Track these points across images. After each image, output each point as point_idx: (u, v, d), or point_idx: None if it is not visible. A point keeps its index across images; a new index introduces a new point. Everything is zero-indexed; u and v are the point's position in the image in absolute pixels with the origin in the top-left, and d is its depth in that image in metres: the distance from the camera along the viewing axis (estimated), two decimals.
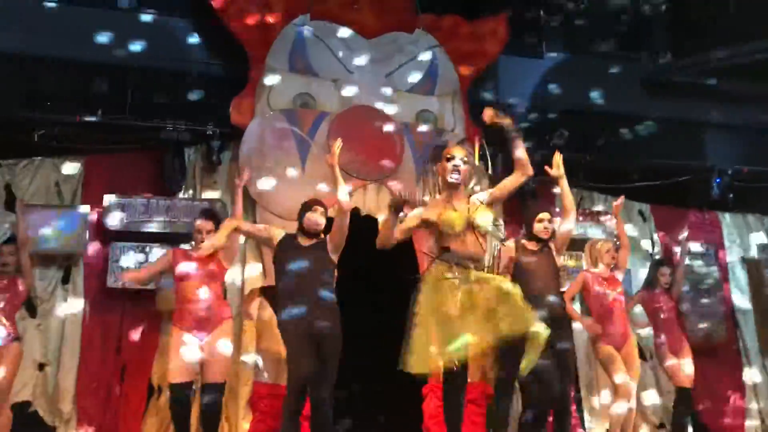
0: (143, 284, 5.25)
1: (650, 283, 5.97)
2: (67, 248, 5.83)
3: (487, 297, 3.55)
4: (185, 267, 4.64)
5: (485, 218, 3.71)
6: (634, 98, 7.86)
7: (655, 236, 7.70)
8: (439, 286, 3.61)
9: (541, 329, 3.57)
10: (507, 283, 3.67)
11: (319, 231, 4.59)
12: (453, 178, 3.75)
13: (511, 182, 3.78)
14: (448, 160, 3.76)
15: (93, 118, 6.03)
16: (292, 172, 6.13)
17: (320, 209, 4.59)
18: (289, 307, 4.35)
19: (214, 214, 4.95)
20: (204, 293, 4.59)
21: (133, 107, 6.18)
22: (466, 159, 3.77)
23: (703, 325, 7.30)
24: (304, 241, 4.54)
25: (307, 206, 4.59)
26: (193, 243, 4.93)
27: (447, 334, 3.49)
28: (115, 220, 5.88)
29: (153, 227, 5.94)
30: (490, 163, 6.45)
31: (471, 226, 3.67)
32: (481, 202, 3.78)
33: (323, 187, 6.13)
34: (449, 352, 3.47)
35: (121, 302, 5.96)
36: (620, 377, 5.14)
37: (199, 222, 4.83)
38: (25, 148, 6.03)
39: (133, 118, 6.15)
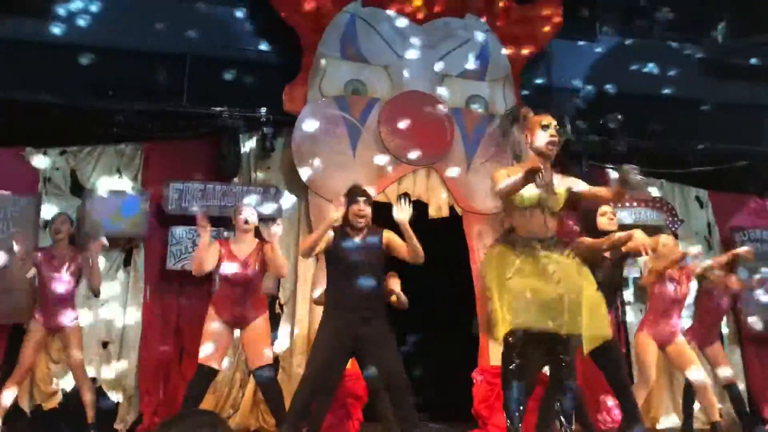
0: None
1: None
2: (129, 231, 6.05)
3: (561, 278, 3.39)
4: (229, 270, 4.62)
5: (557, 200, 3.55)
6: (692, 81, 7.66)
7: (713, 222, 7.52)
8: (502, 262, 3.48)
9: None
10: (591, 288, 3.46)
11: (364, 224, 4.20)
12: (549, 149, 3.51)
13: (601, 193, 3.64)
14: (543, 128, 3.52)
15: (152, 107, 6.25)
16: (343, 157, 6.21)
17: (362, 199, 4.19)
18: (335, 302, 4.16)
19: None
20: (243, 294, 4.63)
21: (190, 95, 6.36)
22: (559, 129, 3.55)
23: (762, 314, 7.10)
24: (355, 235, 4.21)
25: (351, 196, 4.21)
26: (234, 233, 4.87)
27: (513, 297, 3.36)
28: (173, 204, 6.07)
29: (210, 211, 6.09)
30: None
31: (541, 205, 3.50)
32: (568, 189, 3.58)
33: (373, 172, 6.24)
34: (516, 316, 3.34)
35: (179, 284, 6.17)
36: (647, 366, 5.04)
37: (243, 210, 4.76)
38: (89, 135, 6.28)
39: (190, 105, 6.33)
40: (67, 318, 5.18)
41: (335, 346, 4.04)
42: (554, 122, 3.55)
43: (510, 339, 3.47)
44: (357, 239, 4.18)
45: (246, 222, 4.72)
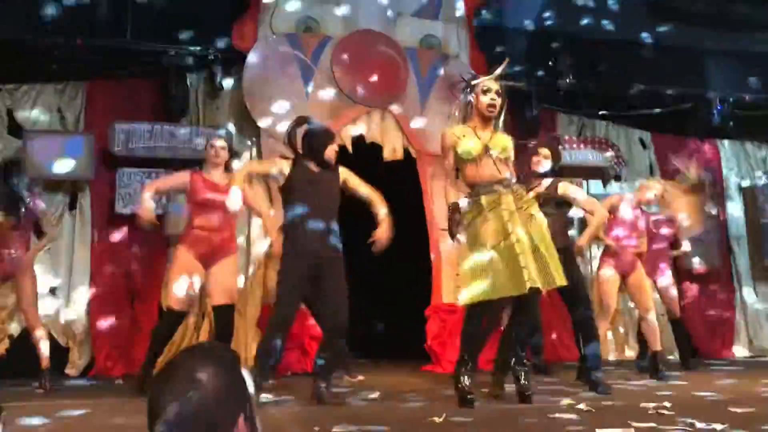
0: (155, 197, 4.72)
1: None
2: (74, 174, 5.84)
3: (523, 234, 3.67)
4: (207, 194, 4.48)
5: (501, 143, 3.85)
6: (638, 24, 7.76)
7: (654, 164, 7.77)
8: (474, 223, 3.73)
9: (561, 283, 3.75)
10: (540, 231, 3.75)
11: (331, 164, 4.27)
12: (489, 111, 3.86)
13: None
14: (485, 92, 3.86)
15: (93, 42, 5.95)
16: (295, 98, 6.10)
17: (336, 145, 4.31)
18: (296, 234, 4.10)
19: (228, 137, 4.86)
20: (220, 222, 4.47)
21: (133, 31, 6.07)
22: (500, 91, 3.89)
23: (698, 251, 7.44)
24: (316, 169, 4.22)
25: (330, 137, 4.27)
26: (204, 165, 4.69)
27: (487, 265, 3.61)
28: (120, 145, 5.88)
29: (158, 153, 5.95)
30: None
31: (487, 151, 3.80)
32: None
33: (326, 113, 6.17)
34: (488, 286, 3.60)
35: (128, 228, 6.03)
36: (607, 296, 5.31)
37: (215, 140, 4.68)
38: (26, 72, 5.97)
39: (134, 42, 6.06)
40: (18, 262, 4.91)
41: (299, 283, 4.05)
42: (495, 87, 3.88)
43: (475, 305, 3.74)
44: (319, 175, 4.17)
45: (216, 154, 4.57)
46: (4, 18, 5.72)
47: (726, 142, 8.06)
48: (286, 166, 4.18)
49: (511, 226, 3.62)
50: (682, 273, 7.52)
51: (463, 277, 3.72)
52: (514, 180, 3.88)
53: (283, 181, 4.19)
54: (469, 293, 3.66)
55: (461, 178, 3.92)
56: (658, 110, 7.56)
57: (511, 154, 3.91)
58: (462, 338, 3.92)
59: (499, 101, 3.87)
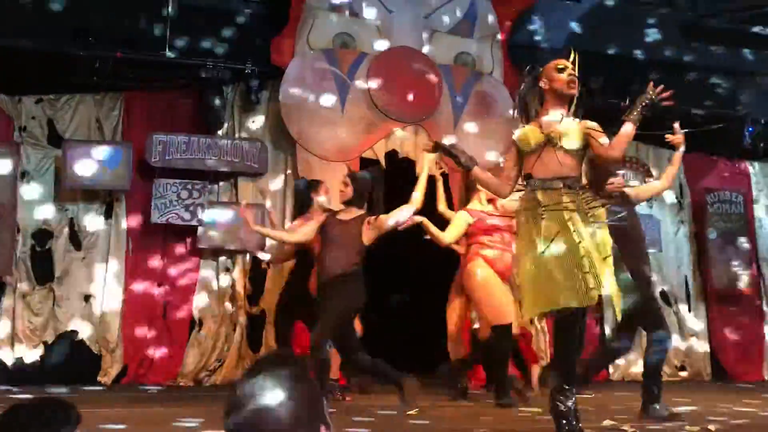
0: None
1: None
2: (112, 184, 5.92)
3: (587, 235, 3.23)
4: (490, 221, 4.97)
5: (566, 133, 3.32)
6: (671, 44, 7.75)
7: (684, 183, 7.74)
8: (527, 218, 3.33)
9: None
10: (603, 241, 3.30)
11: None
12: (570, 88, 3.36)
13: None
14: (560, 71, 3.38)
15: (132, 55, 6.04)
16: (331, 113, 6.15)
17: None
18: None
19: None
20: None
21: (172, 44, 6.15)
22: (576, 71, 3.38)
23: (727, 272, 7.39)
24: None
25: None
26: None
27: (538, 277, 3.26)
28: (157, 156, 5.94)
29: (194, 164, 6.02)
30: None
31: (550, 143, 3.32)
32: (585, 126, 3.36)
33: (361, 128, 6.22)
34: (543, 298, 3.27)
35: (162, 238, 6.10)
36: None
37: None
38: (66, 83, 6.06)
39: (172, 55, 6.13)
40: None
41: None
42: (569, 64, 3.43)
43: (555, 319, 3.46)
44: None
45: None
46: (45, 30, 5.82)
47: (756, 164, 8.01)
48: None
49: (572, 225, 3.20)
50: (709, 293, 7.46)
51: (523, 286, 3.38)
52: (583, 180, 3.43)
53: None
54: (534, 304, 3.32)
55: (522, 168, 3.43)
56: (688, 130, 7.51)
57: (581, 142, 3.32)
58: (555, 354, 3.75)
59: (575, 77, 3.35)
